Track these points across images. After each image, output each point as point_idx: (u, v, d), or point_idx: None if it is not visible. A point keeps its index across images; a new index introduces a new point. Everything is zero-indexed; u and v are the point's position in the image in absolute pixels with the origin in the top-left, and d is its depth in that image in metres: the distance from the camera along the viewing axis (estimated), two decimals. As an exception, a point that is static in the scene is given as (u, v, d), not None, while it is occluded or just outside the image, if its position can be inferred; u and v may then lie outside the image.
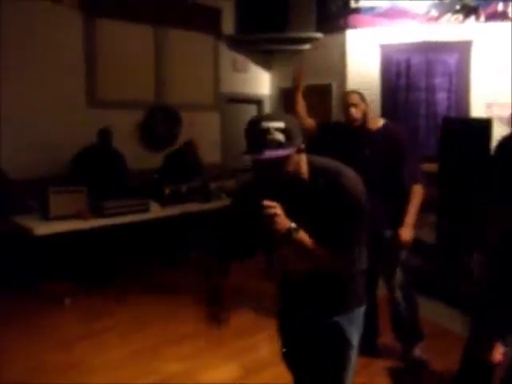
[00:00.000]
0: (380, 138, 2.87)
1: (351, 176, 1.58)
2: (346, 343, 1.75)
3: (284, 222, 1.47)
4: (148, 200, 4.76)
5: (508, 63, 5.71)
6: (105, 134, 5.20)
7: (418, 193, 2.85)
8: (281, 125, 1.46)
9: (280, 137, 1.44)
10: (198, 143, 5.74)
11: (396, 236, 2.82)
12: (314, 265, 1.62)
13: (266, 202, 1.45)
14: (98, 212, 4.34)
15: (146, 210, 4.69)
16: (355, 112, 2.85)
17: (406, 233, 2.82)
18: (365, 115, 2.88)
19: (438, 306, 3.86)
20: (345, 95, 2.99)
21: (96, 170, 4.91)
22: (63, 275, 4.42)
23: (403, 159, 2.83)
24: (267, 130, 1.44)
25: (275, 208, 1.45)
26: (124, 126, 5.89)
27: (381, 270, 3.00)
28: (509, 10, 5.83)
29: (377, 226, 2.76)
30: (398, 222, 2.83)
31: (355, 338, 1.77)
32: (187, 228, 5.09)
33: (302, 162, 1.57)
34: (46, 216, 4.14)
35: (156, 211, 4.78)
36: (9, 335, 3.55)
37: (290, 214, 1.49)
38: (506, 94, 5.65)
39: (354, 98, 2.87)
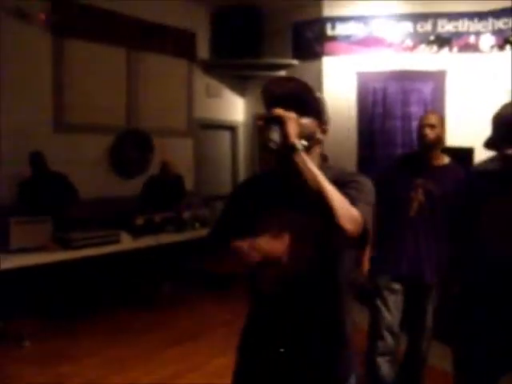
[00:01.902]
0: (444, 176, 2.58)
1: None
2: None
3: (295, 131, 1.20)
4: (118, 231, 4.47)
5: (480, 92, 5.79)
6: (36, 158, 4.73)
7: None
8: None
9: None
10: (172, 163, 5.55)
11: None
12: (317, 194, 1.18)
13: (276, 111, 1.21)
14: (63, 244, 4.02)
15: (117, 242, 4.40)
16: (430, 132, 2.56)
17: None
18: (438, 140, 2.61)
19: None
20: (423, 116, 2.74)
21: (41, 201, 4.53)
22: (23, 313, 4.04)
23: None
24: None
25: (292, 116, 1.22)
26: (93, 152, 5.60)
27: (405, 318, 2.71)
28: (479, 42, 5.94)
29: (417, 271, 2.56)
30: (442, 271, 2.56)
31: None
32: (160, 260, 4.80)
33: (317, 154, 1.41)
34: (6, 248, 3.80)
35: (127, 242, 4.49)
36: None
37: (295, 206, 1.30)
38: (478, 124, 5.69)
39: (432, 119, 2.62)
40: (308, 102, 1.33)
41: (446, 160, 2.68)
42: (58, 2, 5.22)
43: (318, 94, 1.37)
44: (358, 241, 1.22)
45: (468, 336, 2.03)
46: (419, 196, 2.54)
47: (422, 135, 2.61)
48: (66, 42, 5.38)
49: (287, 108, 1.24)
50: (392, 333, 2.61)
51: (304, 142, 1.23)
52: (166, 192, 5.35)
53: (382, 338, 2.60)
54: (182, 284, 4.97)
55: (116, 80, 5.88)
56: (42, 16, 5.04)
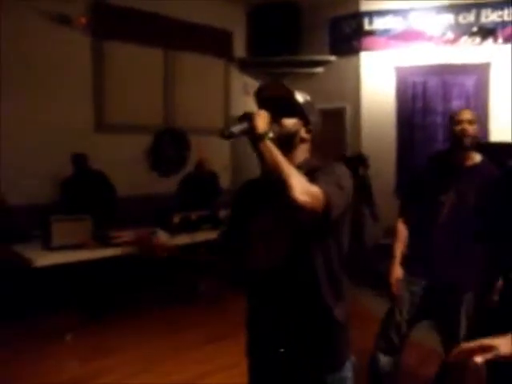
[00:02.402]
0: (477, 176, 2.43)
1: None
2: None
3: (263, 124, 1.36)
4: (156, 228, 4.54)
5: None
6: (79, 159, 4.96)
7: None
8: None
9: None
10: (208, 160, 5.61)
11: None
12: (281, 179, 1.30)
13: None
14: (103, 241, 4.12)
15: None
16: (469, 128, 2.41)
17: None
18: (477, 138, 2.47)
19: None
20: (457, 112, 2.55)
21: (82, 200, 4.69)
22: (64, 308, 4.18)
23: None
24: None
25: (263, 113, 1.40)
26: (132, 151, 5.73)
27: (438, 326, 2.58)
28: (526, 32, 5.68)
29: (448, 277, 2.42)
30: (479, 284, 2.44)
31: None
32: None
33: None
34: (47, 246, 3.93)
35: (164, 240, 4.55)
36: (6, 373, 3.29)
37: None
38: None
39: (469, 114, 2.47)
40: (292, 105, 1.51)
41: (477, 158, 2.51)
42: (97, 6, 5.36)
43: (304, 99, 1.55)
44: (322, 216, 1.33)
45: None
46: (452, 198, 2.43)
47: (460, 132, 2.44)
48: (105, 44, 5.52)
49: (273, 109, 1.44)
50: (399, 334, 2.52)
51: (271, 134, 1.37)
52: (201, 189, 5.39)
53: (388, 339, 2.53)
54: (218, 282, 5.00)
55: (154, 80, 5.99)
56: (83, 20, 5.18)
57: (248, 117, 1.37)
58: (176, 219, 4.74)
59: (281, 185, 1.29)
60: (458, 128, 2.44)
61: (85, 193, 4.83)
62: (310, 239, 1.46)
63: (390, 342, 2.53)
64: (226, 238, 1.75)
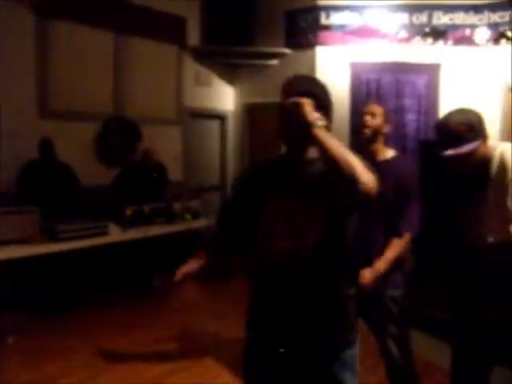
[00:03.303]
0: (386, 172, 2.38)
1: None
2: None
3: (311, 112, 1.40)
4: (107, 222, 4.30)
5: (474, 86, 5.75)
6: (46, 145, 4.69)
7: (404, 242, 2.49)
8: None
9: None
10: (155, 151, 5.40)
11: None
12: (339, 157, 1.35)
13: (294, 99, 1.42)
14: (50, 236, 3.84)
15: (105, 233, 4.23)
16: (369, 120, 2.44)
17: (369, 276, 2.41)
18: (376, 131, 2.47)
19: (427, 341, 3.62)
20: (368, 104, 2.59)
21: (43, 187, 4.41)
22: (7, 308, 3.86)
23: (408, 201, 2.48)
24: None
25: (304, 101, 1.41)
26: (79, 139, 5.39)
27: (369, 322, 2.62)
28: (474, 35, 5.89)
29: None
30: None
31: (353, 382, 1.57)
32: (150, 252, 4.65)
33: None
34: (-10, 240, 3.61)
35: (116, 234, 4.33)
36: None
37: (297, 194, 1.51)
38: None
39: (375, 108, 2.49)
40: (321, 99, 1.53)
41: (389, 154, 2.53)
42: (43, -18, 4.98)
43: (330, 95, 1.59)
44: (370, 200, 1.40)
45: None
46: None
47: (360, 123, 2.50)
48: (51, 24, 5.13)
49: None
50: None
51: (322, 122, 1.42)
52: (147, 181, 5.13)
53: None
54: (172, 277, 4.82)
55: (103, 65, 5.66)
56: (27, -5, 4.79)
57: (295, 103, 1.40)
58: (128, 212, 4.52)
59: (345, 174, 1.32)
60: (360, 120, 2.50)
61: (45, 182, 4.52)
62: (339, 223, 1.51)
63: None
64: (229, 225, 1.74)
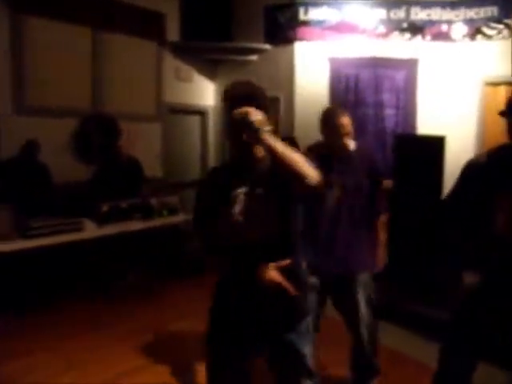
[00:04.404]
0: (356, 161, 2.57)
1: None
2: (299, 358, 1.76)
3: (258, 120, 1.56)
4: (81, 218, 4.29)
5: (452, 81, 5.81)
6: (32, 146, 4.73)
7: (385, 224, 2.65)
8: None
9: None
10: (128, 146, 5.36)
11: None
12: (287, 164, 1.56)
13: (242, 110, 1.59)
14: (23, 232, 3.82)
15: (80, 230, 4.21)
16: (350, 142, 2.54)
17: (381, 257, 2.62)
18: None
19: (396, 331, 3.67)
20: (337, 115, 2.58)
21: (19, 185, 4.40)
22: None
23: (377, 183, 2.59)
24: None
25: (251, 110, 1.58)
26: (56, 136, 5.35)
27: (341, 310, 2.74)
28: (451, 31, 5.93)
29: (346, 265, 2.53)
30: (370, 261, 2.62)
31: (309, 348, 1.78)
32: (126, 248, 4.64)
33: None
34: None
35: (91, 231, 4.31)
36: None
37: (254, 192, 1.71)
38: (450, 112, 5.73)
39: (348, 121, 2.53)
40: (261, 101, 1.71)
41: (351, 144, 2.61)
42: (17, -24, 4.93)
43: (267, 97, 1.76)
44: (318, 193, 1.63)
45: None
46: (337, 189, 2.49)
47: (343, 144, 2.56)
48: (25, 20, 5.09)
49: (245, 105, 1.62)
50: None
51: (268, 127, 1.58)
52: (122, 177, 5.10)
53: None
54: (148, 273, 4.82)
55: (80, 61, 5.62)
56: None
57: (244, 116, 1.57)
58: (105, 208, 4.51)
59: (293, 173, 1.52)
60: (339, 137, 2.56)
61: (25, 180, 4.53)
62: (291, 213, 1.74)
63: None
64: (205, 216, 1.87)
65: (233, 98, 1.71)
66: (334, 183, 2.47)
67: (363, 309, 2.62)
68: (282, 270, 1.67)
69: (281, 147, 1.55)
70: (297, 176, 1.52)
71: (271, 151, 1.55)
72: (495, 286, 1.90)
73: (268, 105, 1.74)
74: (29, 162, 4.73)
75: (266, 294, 1.69)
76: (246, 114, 1.56)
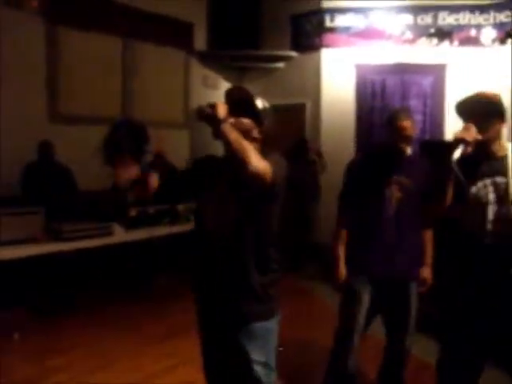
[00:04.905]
0: (414, 167, 2.51)
1: None
2: (247, 362, 1.74)
3: (223, 112, 1.59)
4: (111, 223, 4.41)
5: (480, 86, 5.71)
6: (46, 147, 4.81)
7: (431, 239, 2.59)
8: None
9: None
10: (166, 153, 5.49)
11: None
12: (240, 153, 1.57)
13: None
14: (54, 236, 3.96)
15: (109, 234, 4.33)
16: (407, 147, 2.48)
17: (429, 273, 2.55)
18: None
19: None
20: (400, 117, 2.49)
21: (43, 188, 4.53)
22: (13, 306, 3.98)
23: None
24: None
25: (223, 104, 1.63)
26: (87, 142, 5.48)
27: (387, 318, 2.62)
28: (480, 36, 5.86)
29: (399, 273, 2.46)
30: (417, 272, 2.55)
31: (260, 355, 1.76)
32: (154, 252, 4.74)
33: None
34: (-5, 240, 3.73)
35: (120, 235, 4.43)
36: None
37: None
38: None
39: (410, 125, 2.46)
40: (248, 107, 1.77)
41: (407, 151, 2.55)
42: (52, -10, 5.13)
43: (262, 105, 1.81)
44: (269, 187, 1.63)
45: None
46: (395, 193, 2.45)
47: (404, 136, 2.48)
48: (59, 30, 5.29)
49: (236, 108, 1.72)
50: (359, 335, 2.54)
51: (231, 120, 1.65)
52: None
53: (352, 341, 2.52)
54: (176, 277, 4.90)
55: (111, 70, 5.80)
56: (34, 3, 4.94)
57: (211, 105, 1.61)
58: (133, 213, 4.62)
59: (239, 159, 1.55)
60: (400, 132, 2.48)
61: (45, 183, 4.64)
62: (250, 210, 1.73)
63: (353, 343, 2.53)
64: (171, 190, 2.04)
65: (227, 101, 1.80)
66: (394, 183, 2.45)
67: (412, 320, 2.54)
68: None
69: (234, 135, 1.57)
70: (241, 162, 1.54)
71: (225, 139, 1.57)
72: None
73: (259, 114, 1.79)
74: (46, 162, 4.81)
75: (219, 289, 1.78)
76: (214, 105, 1.59)
